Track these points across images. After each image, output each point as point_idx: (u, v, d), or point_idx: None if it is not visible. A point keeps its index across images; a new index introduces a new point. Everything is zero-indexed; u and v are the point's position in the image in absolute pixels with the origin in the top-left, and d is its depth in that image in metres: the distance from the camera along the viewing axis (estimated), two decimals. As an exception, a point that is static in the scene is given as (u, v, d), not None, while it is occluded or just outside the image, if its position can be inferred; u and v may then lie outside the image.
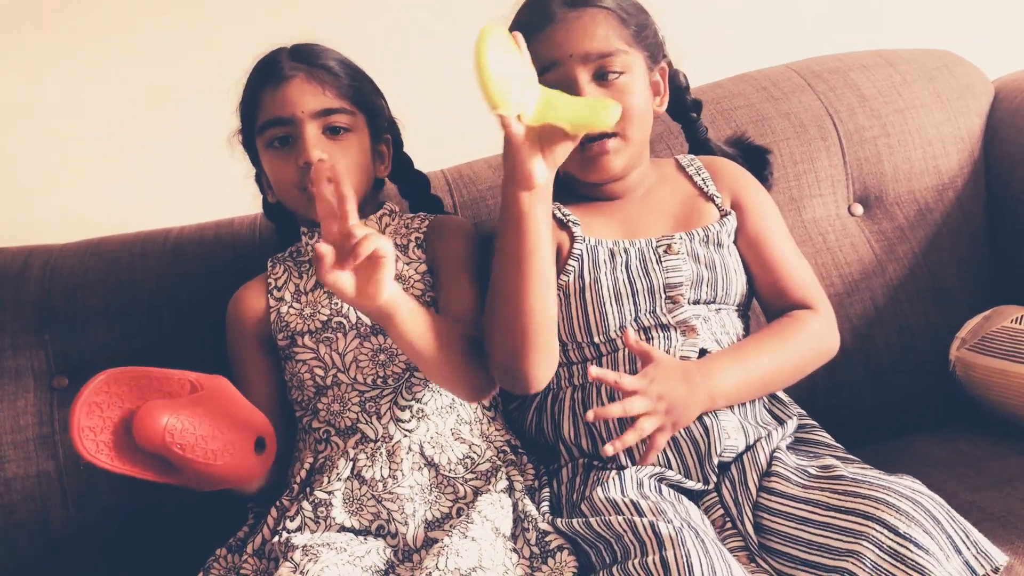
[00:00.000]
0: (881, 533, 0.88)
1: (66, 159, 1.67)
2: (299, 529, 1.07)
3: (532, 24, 1.10)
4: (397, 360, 1.13)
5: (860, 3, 1.79)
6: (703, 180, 1.20)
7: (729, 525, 1.03)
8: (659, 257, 1.12)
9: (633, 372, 1.08)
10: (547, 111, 0.95)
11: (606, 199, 1.18)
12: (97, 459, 0.96)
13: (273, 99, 1.14)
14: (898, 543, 0.88)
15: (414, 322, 1.01)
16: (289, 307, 1.18)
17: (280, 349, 1.19)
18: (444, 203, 1.35)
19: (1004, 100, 1.45)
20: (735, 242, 1.18)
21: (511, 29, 1.14)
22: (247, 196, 1.32)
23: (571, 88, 1.08)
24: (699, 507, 1.05)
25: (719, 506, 1.05)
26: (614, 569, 0.92)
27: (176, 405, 0.97)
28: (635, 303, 1.11)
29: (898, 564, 0.87)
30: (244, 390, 1.17)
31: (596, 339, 1.12)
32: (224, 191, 1.42)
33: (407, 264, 1.19)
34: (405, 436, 1.12)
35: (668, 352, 1.09)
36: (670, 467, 1.07)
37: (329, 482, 1.10)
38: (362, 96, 1.18)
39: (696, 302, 1.13)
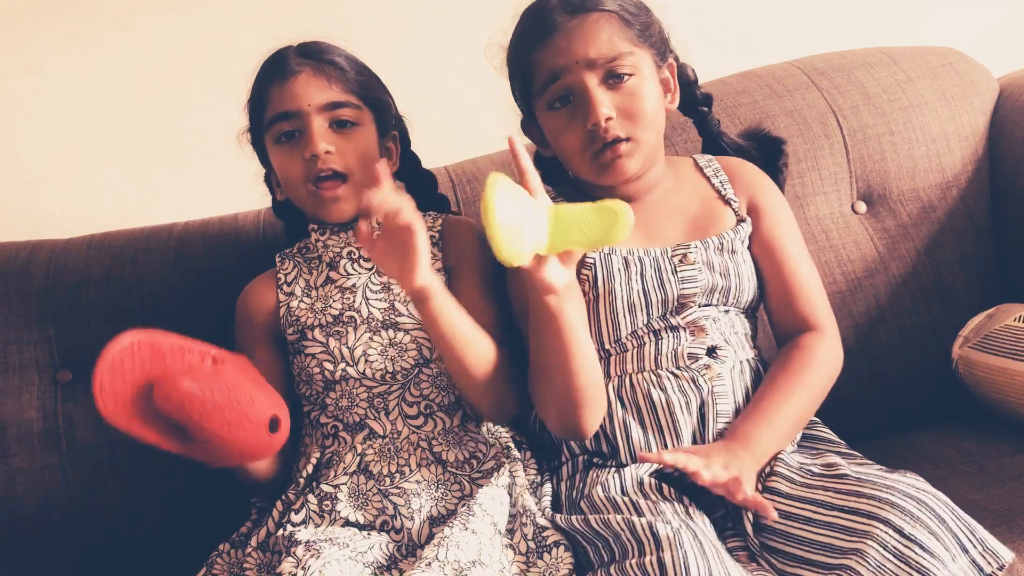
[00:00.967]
0: (886, 534, 0.88)
1: (71, 153, 1.67)
2: (304, 523, 1.08)
3: (535, 36, 1.10)
4: (407, 356, 1.14)
5: (865, 1, 1.79)
6: (721, 182, 1.19)
7: (730, 525, 1.03)
8: (674, 268, 1.11)
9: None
10: (562, 240, 0.95)
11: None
12: (116, 420, 0.97)
13: (280, 94, 1.14)
14: (903, 544, 0.87)
15: (449, 311, 1.04)
16: (300, 301, 1.19)
17: (289, 344, 1.19)
18: (448, 200, 1.35)
19: (1009, 97, 1.45)
20: (749, 247, 1.16)
21: (512, 42, 1.14)
22: (252, 191, 1.32)
23: (583, 94, 1.08)
24: (700, 507, 1.05)
25: (720, 505, 1.05)
26: (611, 568, 0.92)
27: (197, 373, 0.98)
28: (648, 313, 1.11)
29: (903, 566, 0.86)
30: None
31: (607, 345, 1.12)
32: (229, 186, 1.42)
33: None
34: (413, 432, 1.12)
35: (676, 351, 1.10)
36: (671, 465, 1.08)
37: (335, 476, 1.10)
38: (369, 91, 1.18)
39: (706, 305, 1.12)
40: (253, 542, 1.09)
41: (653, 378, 1.09)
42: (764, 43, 1.70)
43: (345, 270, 1.19)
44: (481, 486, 1.08)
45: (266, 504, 1.15)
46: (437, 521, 1.07)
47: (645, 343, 1.11)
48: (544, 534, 1.03)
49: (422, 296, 1.03)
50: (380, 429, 1.13)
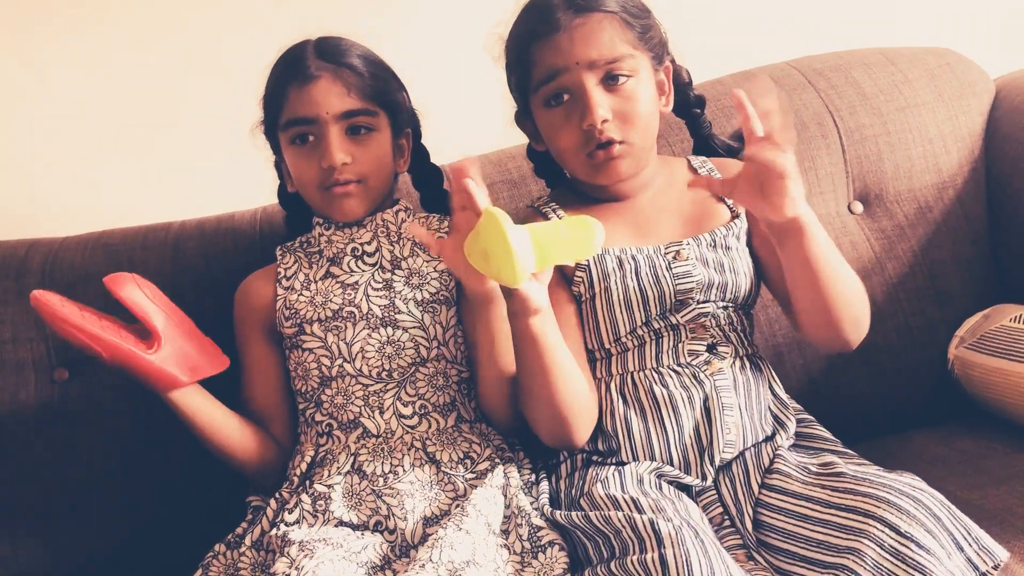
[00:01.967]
0: (882, 532, 0.89)
1: (68, 150, 1.67)
2: (297, 522, 1.07)
3: (536, 31, 1.10)
4: (404, 354, 1.14)
5: (862, 1, 1.79)
6: None
7: (727, 523, 1.04)
8: (668, 264, 1.12)
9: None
10: (542, 258, 0.98)
11: (614, 199, 1.17)
12: (63, 310, 1.04)
13: (299, 97, 1.14)
14: (899, 542, 0.88)
15: (505, 319, 1.04)
16: (299, 295, 1.19)
17: (286, 338, 1.19)
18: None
19: (1005, 99, 1.45)
20: (750, 242, 1.17)
21: (512, 36, 1.15)
22: (248, 190, 1.32)
23: (581, 94, 1.08)
24: (697, 504, 1.06)
25: (718, 503, 1.06)
26: (612, 565, 0.92)
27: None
28: (646, 309, 1.11)
29: (899, 563, 0.87)
30: (249, 377, 1.20)
31: (607, 344, 1.12)
32: (226, 184, 1.42)
33: (426, 261, 1.19)
34: (407, 432, 1.13)
35: (677, 348, 1.11)
36: (671, 462, 1.08)
37: (329, 475, 1.10)
38: (385, 95, 1.18)
39: (705, 302, 1.13)
40: (247, 541, 1.09)
41: (655, 375, 1.10)
42: (761, 44, 1.70)
43: (348, 267, 1.19)
44: (475, 487, 1.08)
45: (261, 502, 1.15)
46: (431, 521, 1.06)
47: (646, 342, 1.11)
48: (539, 534, 1.03)
49: (490, 296, 1.05)
50: (374, 428, 1.13)
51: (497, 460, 1.13)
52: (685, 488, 1.08)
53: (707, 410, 1.08)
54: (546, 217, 1.17)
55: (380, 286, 1.17)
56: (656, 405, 1.09)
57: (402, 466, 1.10)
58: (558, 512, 1.05)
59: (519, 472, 1.13)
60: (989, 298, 1.38)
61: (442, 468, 1.11)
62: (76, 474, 1.29)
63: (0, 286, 1.35)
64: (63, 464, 1.29)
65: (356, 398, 1.14)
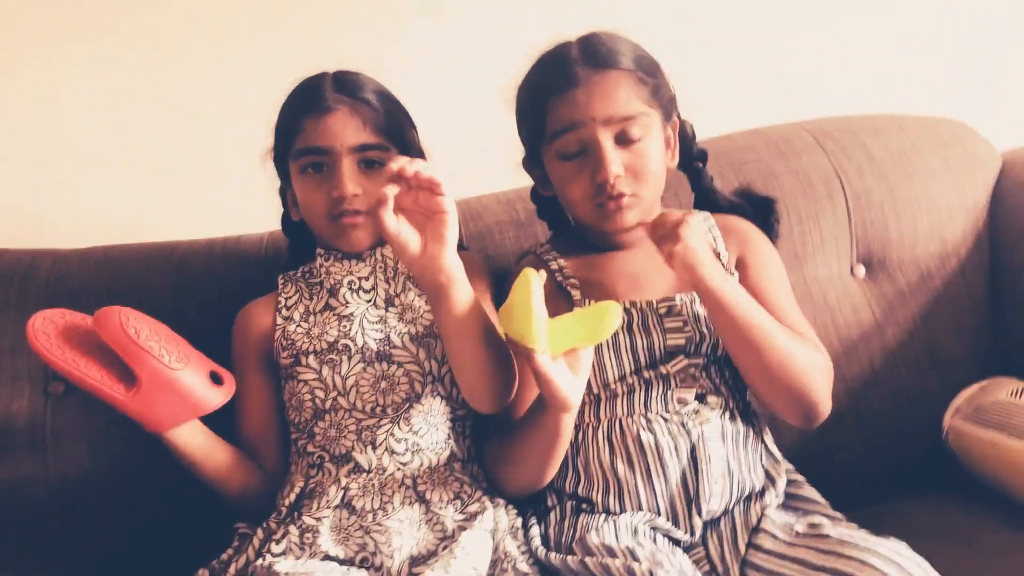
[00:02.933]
0: None
1: (79, 165, 1.68)
2: (284, 554, 1.07)
3: (554, 85, 1.11)
4: (398, 390, 1.14)
5: (875, 68, 1.81)
6: (713, 238, 1.20)
7: (716, 580, 1.04)
8: (659, 319, 1.13)
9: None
10: (561, 343, 1.00)
11: (615, 248, 1.18)
12: (50, 350, 1.03)
13: (316, 128, 1.16)
14: None
15: (464, 304, 1.02)
16: (297, 326, 1.19)
17: (282, 368, 1.19)
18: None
19: (1011, 173, 1.46)
20: None
21: (527, 85, 1.16)
22: (256, 210, 1.33)
23: (596, 150, 1.09)
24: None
25: (705, 561, 1.06)
26: None
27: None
28: (635, 358, 1.12)
29: None
30: (244, 403, 1.19)
31: (596, 389, 1.13)
32: (234, 203, 1.43)
33: (418, 295, 1.20)
34: (398, 469, 1.12)
35: (666, 396, 1.11)
36: (659, 511, 1.08)
37: (318, 508, 1.10)
38: (398, 131, 1.20)
39: (696, 355, 1.13)
40: (232, 570, 1.08)
41: (643, 421, 1.10)
42: (774, 104, 1.72)
43: (344, 298, 1.19)
44: (464, 528, 1.07)
45: (249, 529, 1.15)
46: (417, 561, 1.06)
47: (635, 389, 1.12)
48: (525, 579, 1.02)
49: (445, 281, 1.01)
50: (365, 463, 1.12)
51: (487, 503, 1.12)
52: (675, 543, 1.07)
53: (694, 460, 1.08)
54: (546, 265, 1.18)
55: (376, 320, 1.18)
56: (643, 452, 1.09)
57: (392, 503, 1.10)
58: (552, 554, 1.04)
59: (507, 515, 1.12)
60: (987, 368, 1.38)
61: (431, 508, 1.10)
62: (63, 490, 1.28)
63: (3, 295, 1.35)
64: (51, 479, 1.28)
65: (349, 432, 1.14)
